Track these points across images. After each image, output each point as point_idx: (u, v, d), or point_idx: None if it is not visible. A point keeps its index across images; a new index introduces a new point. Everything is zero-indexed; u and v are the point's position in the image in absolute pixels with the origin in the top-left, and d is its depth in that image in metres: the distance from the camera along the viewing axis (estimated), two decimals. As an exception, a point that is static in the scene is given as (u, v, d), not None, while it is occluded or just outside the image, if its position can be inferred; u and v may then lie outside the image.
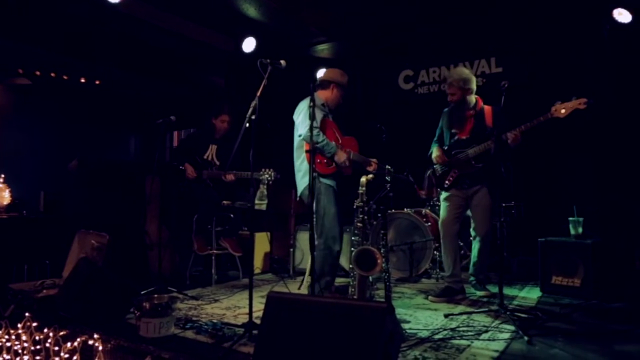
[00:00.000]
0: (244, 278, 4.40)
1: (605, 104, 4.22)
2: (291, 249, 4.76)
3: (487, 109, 3.53)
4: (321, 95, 3.54)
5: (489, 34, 5.09)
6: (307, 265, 4.00)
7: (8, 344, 2.97)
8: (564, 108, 3.04)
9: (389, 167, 3.36)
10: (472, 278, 3.65)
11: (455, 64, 5.36)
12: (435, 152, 3.68)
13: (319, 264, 3.31)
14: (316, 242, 3.30)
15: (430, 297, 3.48)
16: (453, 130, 3.62)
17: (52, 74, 5.78)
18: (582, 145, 4.42)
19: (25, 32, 4.73)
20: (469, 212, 3.70)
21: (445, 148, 3.63)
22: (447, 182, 3.61)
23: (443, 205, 3.66)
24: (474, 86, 3.51)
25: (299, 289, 3.92)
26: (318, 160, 3.33)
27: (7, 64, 5.56)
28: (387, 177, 3.28)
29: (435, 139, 3.78)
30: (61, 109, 6.30)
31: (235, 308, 3.26)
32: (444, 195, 3.68)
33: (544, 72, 4.76)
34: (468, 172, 3.51)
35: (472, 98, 3.54)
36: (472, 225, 3.61)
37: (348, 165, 3.44)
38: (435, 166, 3.73)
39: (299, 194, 3.52)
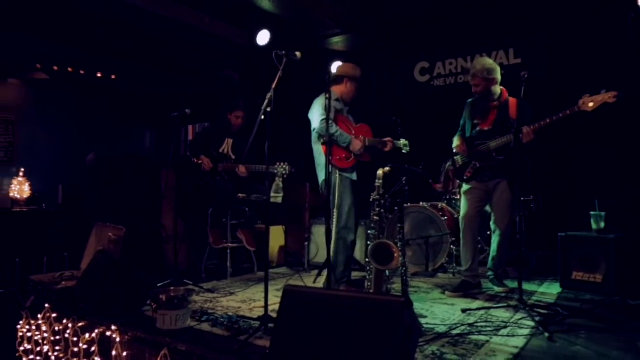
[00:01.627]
0: (259, 271, 4.41)
1: (630, 95, 4.10)
2: (306, 243, 4.75)
3: (512, 101, 3.44)
4: (336, 91, 3.59)
5: (507, 24, 4.98)
6: (322, 259, 4.00)
7: (29, 334, 3.03)
8: (592, 101, 2.92)
9: (404, 142, 3.54)
10: (490, 273, 3.59)
11: (472, 56, 5.26)
12: (456, 141, 3.61)
13: (333, 255, 3.37)
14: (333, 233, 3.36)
15: (447, 293, 3.44)
16: (475, 121, 3.54)
17: (70, 69, 5.84)
18: (604, 138, 4.31)
19: (43, 27, 4.79)
20: (487, 207, 3.63)
21: (467, 138, 3.57)
22: (467, 174, 3.55)
23: (464, 199, 3.59)
24: (498, 76, 3.42)
25: (314, 282, 3.90)
26: (337, 157, 3.42)
27: (25, 59, 5.64)
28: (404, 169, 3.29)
29: (459, 129, 3.71)
30: (78, 104, 6.39)
31: (250, 301, 3.27)
32: (464, 188, 3.62)
33: (564, 64, 4.64)
34: (489, 165, 3.44)
35: (497, 89, 3.45)
36: (492, 219, 3.54)
37: (363, 152, 3.47)
38: (455, 157, 3.67)
39: (320, 186, 3.58)
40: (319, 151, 3.50)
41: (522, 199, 4.12)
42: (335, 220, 3.39)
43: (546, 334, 2.35)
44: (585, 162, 4.49)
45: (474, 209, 3.51)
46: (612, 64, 4.33)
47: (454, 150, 3.64)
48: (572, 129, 4.19)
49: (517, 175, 3.33)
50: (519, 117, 3.27)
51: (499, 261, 3.54)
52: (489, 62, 3.46)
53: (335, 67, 5.08)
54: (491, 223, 3.56)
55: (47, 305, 2.95)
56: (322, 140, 3.36)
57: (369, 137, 3.57)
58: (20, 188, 5.01)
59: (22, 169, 5.11)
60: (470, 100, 3.66)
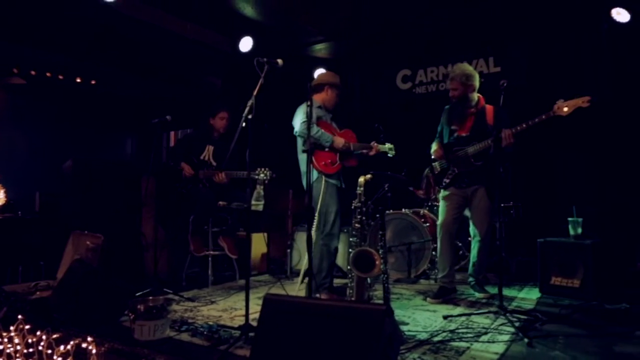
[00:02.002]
0: (241, 279, 4.36)
1: (604, 103, 4.20)
2: (288, 250, 4.73)
3: (489, 108, 3.49)
4: (317, 99, 3.64)
5: (487, 33, 5.07)
6: (304, 266, 3.97)
7: (1, 347, 2.93)
8: (566, 106, 3.00)
9: (389, 145, 3.61)
10: (471, 279, 3.62)
11: (453, 64, 5.32)
12: (434, 147, 3.65)
13: (317, 260, 3.38)
14: (314, 238, 3.36)
15: (428, 299, 3.45)
16: (453, 127, 3.58)
17: (48, 74, 5.73)
18: (581, 145, 4.40)
19: (20, 32, 4.68)
20: (467, 212, 3.67)
21: (445, 145, 3.60)
22: (445, 179, 3.58)
23: (442, 205, 3.62)
24: (476, 83, 3.47)
25: (298, 290, 3.88)
26: (323, 163, 3.47)
27: (1, 63, 5.51)
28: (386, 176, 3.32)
29: (437, 135, 3.75)
30: (56, 109, 6.26)
31: (231, 310, 3.23)
32: (442, 194, 3.65)
33: (543, 72, 4.74)
34: (467, 171, 3.48)
35: (475, 96, 3.50)
36: (471, 225, 3.58)
37: (348, 147, 3.53)
38: (434, 163, 3.70)
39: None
40: (303, 159, 3.51)
41: (502, 205, 4.17)
42: (317, 225, 3.40)
43: (525, 340, 2.38)
44: (563, 169, 4.58)
45: (451, 215, 3.54)
46: (588, 72, 4.44)
47: (432, 156, 3.67)
48: (550, 135, 4.29)
49: (495, 182, 3.37)
50: (495, 123, 3.33)
51: (479, 267, 3.58)
52: (468, 68, 3.50)
53: (318, 73, 5.13)
54: (470, 229, 3.60)
55: (20, 317, 2.85)
56: (305, 147, 3.38)
57: (353, 142, 3.61)
58: (-6, 195, 4.87)
59: (-2, 176, 4.98)
60: (447, 106, 3.70)
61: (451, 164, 3.55)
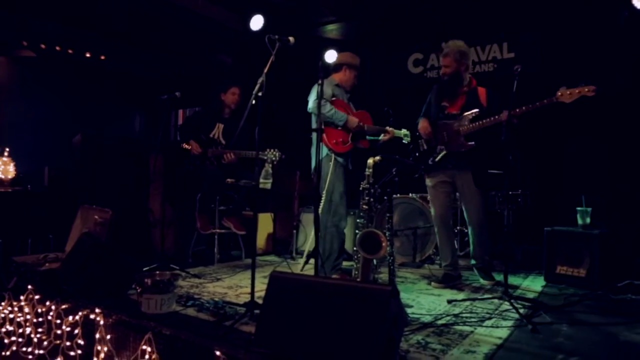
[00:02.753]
0: (247, 258, 4.39)
1: (619, 92, 4.13)
2: (294, 231, 4.75)
3: (482, 89, 3.40)
4: (335, 77, 3.68)
5: (502, 18, 4.97)
6: (310, 247, 3.99)
7: (11, 316, 2.99)
8: (570, 93, 2.95)
9: (405, 131, 3.57)
10: (473, 261, 3.55)
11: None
12: (421, 123, 3.49)
13: (328, 242, 3.41)
14: (323, 221, 3.37)
15: (432, 283, 3.46)
16: (443, 104, 3.46)
17: (57, 48, 5.71)
18: (592, 134, 4.35)
19: (31, 4, 4.66)
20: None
21: (433, 122, 3.47)
22: (430, 160, 3.46)
23: (431, 195, 3.51)
24: (469, 62, 3.41)
25: (301, 270, 3.90)
26: (334, 141, 3.47)
27: (11, 36, 5.49)
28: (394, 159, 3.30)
29: (421, 113, 3.61)
30: (66, 84, 6.25)
31: (237, 287, 3.26)
32: (429, 181, 3.53)
33: (558, 59, 4.65)
34: (456, 151, 3.35)
35: (467, 75, 3.42)
36: (464, 210, 3.50)
37: (361, 128, 3.51)
38: (420, 140, 3.56)
39: (312, 171, 3.59)
40: (315, 135, 3.51)
41: (510, 192, 4.14)
42: (323, 207, 3.39)
43: (529, 326, 2.38)
44: (573, 158, 4.53)
45: (444, 205, 3.48)
46: (604, 61, 4.35)
47: (418, 132, 3.52)
48: (561, 124, 4.23)
49: (483, 168, 3.29)
50: (489, 105, 3.27)
51: (480, 248, 3.47)
52: (462, 45, 3.38)
53: (329, 54, 5.08)
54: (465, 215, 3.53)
55: (30, 287, 2.91)
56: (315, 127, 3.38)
57: (368, 123, 3.60)
58: (4, 168, 4.91)
59: (7, 149, 5.01)
60: (436, 85, 3.60)
61: (439, 143, 3.42)
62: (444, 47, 3.43)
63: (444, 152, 3.41)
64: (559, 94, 2.98)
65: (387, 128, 3.61)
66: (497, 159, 3.56)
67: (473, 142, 3.27)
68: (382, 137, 3.67)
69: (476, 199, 3.38)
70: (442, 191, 3.49)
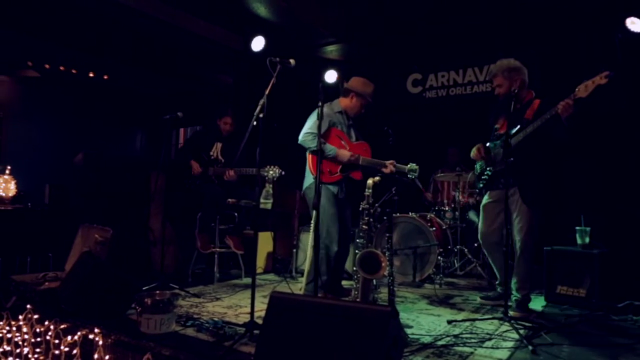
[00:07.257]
0: (246, 277, 4.38)
1: (617, 112, 4.18)
2: (294, 250, 4.74)
3: (536, 102, 3.19)
4: (342, 103, 3.58)
5: (500, 39, 5.05)
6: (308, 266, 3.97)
7: (9, 335, 2.97)
8: (585, 86, 2.85)
9: (411, 166, 3.46)
10: (513, 295, 3.26)
11: (464, 69, 5.34)
12: (473, 149, 3.37)
13: (318, 262, 3.32)
14: (312, 242, 3.35)
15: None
16: (496, 126, 3.37)
17: (61, 68, 5.80)
18: (591, 154, 4.38)
19: (36, 25, 4.75)
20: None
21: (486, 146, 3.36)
22: (481, 182, 3.39)
23: (481, 213, 3.42)
24: (524, 77, 3.17)
25: (301, 289, 3.89)
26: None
27: (16, 56, 5.59)
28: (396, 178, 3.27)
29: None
30: (69, 103, 6.33)
31: (236, 307, 3.25)
32: (483, 201, 3.43)
33: (555, 80, 4.71)
34: (501, 170, 3.15)
35: (523, 92, 3.19)
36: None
37: (355, 161, 3.42)
38: (475, 165, 3.48)
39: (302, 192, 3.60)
40: (306, 159, 3.51)
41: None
42: (313, 229, 3.34)
43: (530, 347, 2.37)
44: (572, 177, 4.55)
45: (488, 226, 3.33)
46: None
47: (472, 157, 3.43)
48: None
49: (532, 182, 3.11)
50: (535, 117, 3.05)
51: (520, 280, 3.22)
52: (512, 61, 3.23)
53: (329, 75, 5.15)
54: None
55: (28, 306, 2.89)
56: (308, 150, 3.39)
57: (366, 156, 3.50)
58: (5, 186, 4.92)
59: (9, 167, 5.03)
60: (492, 104, 3.49)
61: (488, 165, 3.34)
62: (492, 68, 3.31)
63: (491, 173, 3.32)
64: (577, 90, 2.86)
65: (387, 162, 3.45)
66: (543, 173, 3.27)
67: (512, 158, 2.92)
68: (384, 170, 3.47)
69: (522, 220, 3.14)
70: (489, 212, 3.34)
